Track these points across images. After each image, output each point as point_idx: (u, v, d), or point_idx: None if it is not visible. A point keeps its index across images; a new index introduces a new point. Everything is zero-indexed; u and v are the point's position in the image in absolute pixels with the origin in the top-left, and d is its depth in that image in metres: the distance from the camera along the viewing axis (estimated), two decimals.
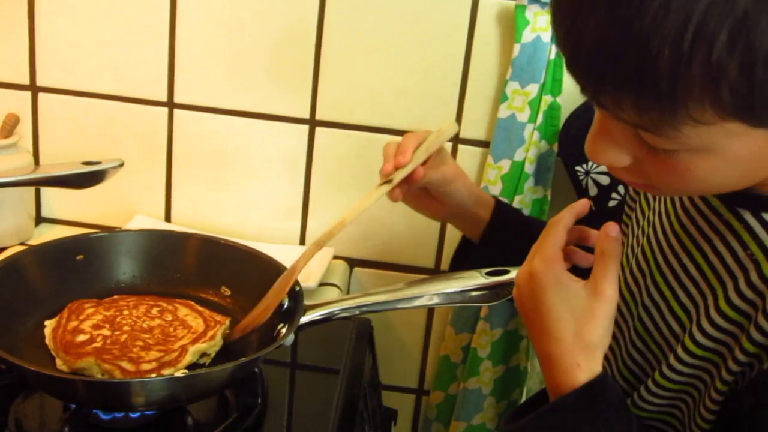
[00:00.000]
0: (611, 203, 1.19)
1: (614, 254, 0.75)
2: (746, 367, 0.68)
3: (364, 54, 1.27)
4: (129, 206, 1.37)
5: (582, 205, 0.81)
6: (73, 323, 0.92)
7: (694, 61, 0.54)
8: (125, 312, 0.96)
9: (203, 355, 0.92)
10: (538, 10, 1.18)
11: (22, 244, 1.31)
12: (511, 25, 1.22)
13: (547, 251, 0.76)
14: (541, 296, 0.75)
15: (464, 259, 1.07)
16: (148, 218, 1.35)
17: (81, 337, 0.90)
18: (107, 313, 0.95)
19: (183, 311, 0.98)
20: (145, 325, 0.94)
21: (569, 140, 1.19)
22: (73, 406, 0.90)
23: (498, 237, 1.04)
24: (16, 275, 0.97)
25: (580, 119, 1.17)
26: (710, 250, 0.74)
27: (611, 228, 0.76)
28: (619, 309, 0.81)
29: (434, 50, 1.26)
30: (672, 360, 0.74)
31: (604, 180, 1.18)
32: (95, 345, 0.89)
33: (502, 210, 1.03)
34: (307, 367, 1.16)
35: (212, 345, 0.93)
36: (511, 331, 1.31)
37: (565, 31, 0.60)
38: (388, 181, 0.94)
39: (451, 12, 1.24)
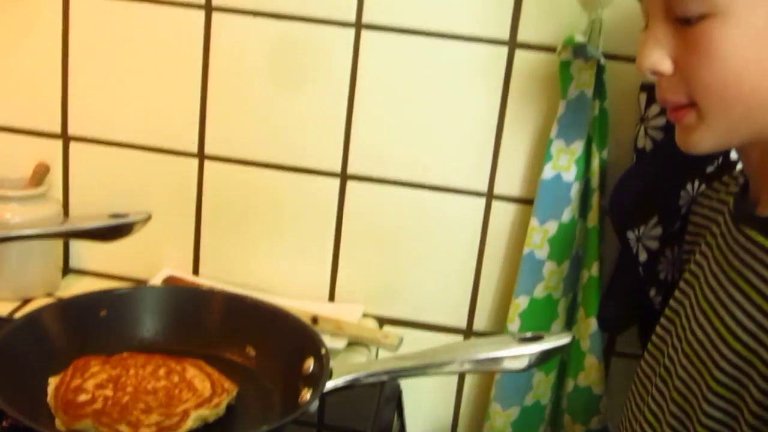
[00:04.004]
0: (659, 267, 1.15)
1: None
2: None
3: (396, 107, 1.25)
4: (157, 259, 1.35)
5: None
6: (77, 381, 0.90)
7: None
8: (131, 371, 0.93)
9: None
10: (583, 65, 1.15)
11: (48, 295, 1.29)
12: (547, 79, 1.19)
13: None
14: None
15: None
16: (175, 272, 1.33)
17: (82, 397, 0.87)
18: (113, 372, 0.92)
19: (191, 372, 0.94)
20: (149, 387, 0.91)
21: (619, 206, 1.14)
22: None
23: None
24: (36, 331, 0.95)
25: (629, 185, 1.13)
26: (753, 275, 0.80)
27: None
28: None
29: (469, 103, 1.23)
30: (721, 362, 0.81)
31: (654, 245, 1.14)
32: (95, 406, 0.86)
33: None
34: (333, 428, 1.12)
35: (215, 413, 0.89)
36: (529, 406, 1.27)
37: None
38: None
39: (487, 64, 1.22)
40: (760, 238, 0.81)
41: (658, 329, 1.00)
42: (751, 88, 0.76)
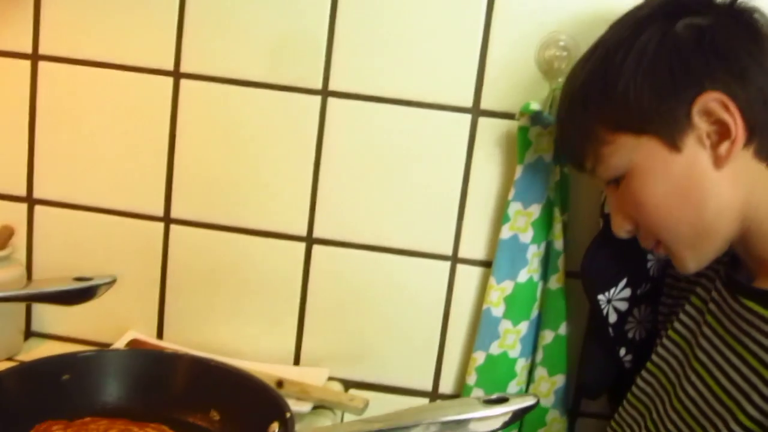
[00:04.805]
0: (627, 326, 1.17)
1: None
2: None
3: (361, 172, 1.26)
4: (121, 322, 1.34)
5: None
6: None
7: (587, 108, 0.96)
8: None
9: None
10: (541, 131, 1.18)
11: (9, 359, 1.28)
12: (511, 144, 1.22)
13: None
14: None
15: None
16: (139, 335, 1.32)
17: None
18: None
19: None
20: None
21: (591, 271, 1.16)
22: None
23: None
24: None
25: (599, 251, 1.15)
26: (750, 341, 0.88)
27: None
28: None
29: (433, 168, 1.25)
30: None
31: (623, 306, 1.16)
32: None
33: None
34: None
35: None
36: None
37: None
38: None
39: (451, 131, 1.24)
40: (759, 308, 0.89)
41: (640, 382, 1.06)
42: (681, 211, 0.91)
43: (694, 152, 0.90)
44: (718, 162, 0.89)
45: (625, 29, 0.95)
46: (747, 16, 0.93)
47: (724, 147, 0.88)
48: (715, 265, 1.01)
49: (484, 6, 1.20)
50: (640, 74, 0.91)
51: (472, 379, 1.25)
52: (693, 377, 0.95)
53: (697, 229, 0.92)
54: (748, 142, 0.89)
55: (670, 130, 0.90)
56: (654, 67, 0.91)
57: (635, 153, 0.92)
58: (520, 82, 1.22)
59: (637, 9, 0.98)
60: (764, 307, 0.88)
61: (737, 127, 0.87)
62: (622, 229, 0.99)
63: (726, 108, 0.88)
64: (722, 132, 0.89)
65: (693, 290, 1.05)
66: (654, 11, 0.95)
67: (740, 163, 0.89)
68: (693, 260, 0.95)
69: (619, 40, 0.94)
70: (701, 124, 0.89)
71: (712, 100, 0.88)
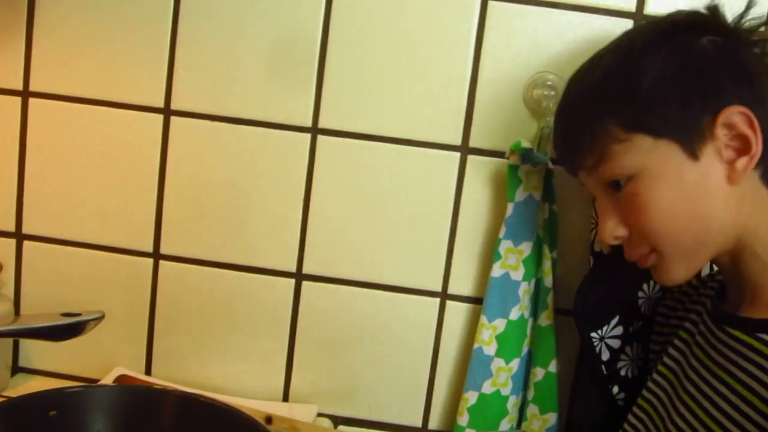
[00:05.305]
0: (620, 364, 1.17)
1: None
2: None
3: (351, 209, 1.27)
4: (109, 358, 1.34)
5: None
6: None
7: (603, 103, 0.94)
8: None
9: None
10: (530, 168, 1.19)
11: None
12: (499, 182, 1.23)
13: None
14: None
15: None
16: (127, 371, 1.31)
17: None
18: None
19: None
20: None
21: (584, 309, 1.17)
22: None
23: None
24: None
25: (591, 289, 1.16)
26: (737, 369, 0.88)
27: None
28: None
29: (422, 205, 1.26)
30: None
31: (615, 343, 1.16)
32: None
33: None
34: None
35: None
36: None
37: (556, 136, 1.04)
38: None
39: (440, 169, 1.25)
40: (744, 337, 0.89)
41: (631, 418, 1.06)
42: (688, 220, 0.90)
43: (710, 163, 0.90)
44: (733, 176, 0.90)
45: (652, 33, 0.95)
46: (762, 45, 0.95)
47: (741, 162, 0.89)
48: (704, 300, 1.02)
49: (473, 45, 1.22)
50: (668, 78, 0.91)
51: (463, 419, 1.24)
52: (682, 409, 0.95)
53: (699, 239, 0.92)
54: (758, 163, 0.90)
55: (691, 138, 0.90)
56: (683, 73, 0.91)
57: (650, 155, 0.91)
58: (508, 120, 1.23)
59: (663, 18, 0.99)
60: (749, 335, 0.88)
61: (758, 143, 0.89)
62: (613, 234, 0.98)
63: (750, 123, 0.89)
64: (740, 148, 0.90)
65: (682, 326, 1.06)
66: (680, 21, 0.96)
67: (748, 184, 0.91)
68: (683, 271, 0.95)
69: (647, 41, 0.93)
70: (722, 136, 0.90)
71: (737, 113, 0.89)
